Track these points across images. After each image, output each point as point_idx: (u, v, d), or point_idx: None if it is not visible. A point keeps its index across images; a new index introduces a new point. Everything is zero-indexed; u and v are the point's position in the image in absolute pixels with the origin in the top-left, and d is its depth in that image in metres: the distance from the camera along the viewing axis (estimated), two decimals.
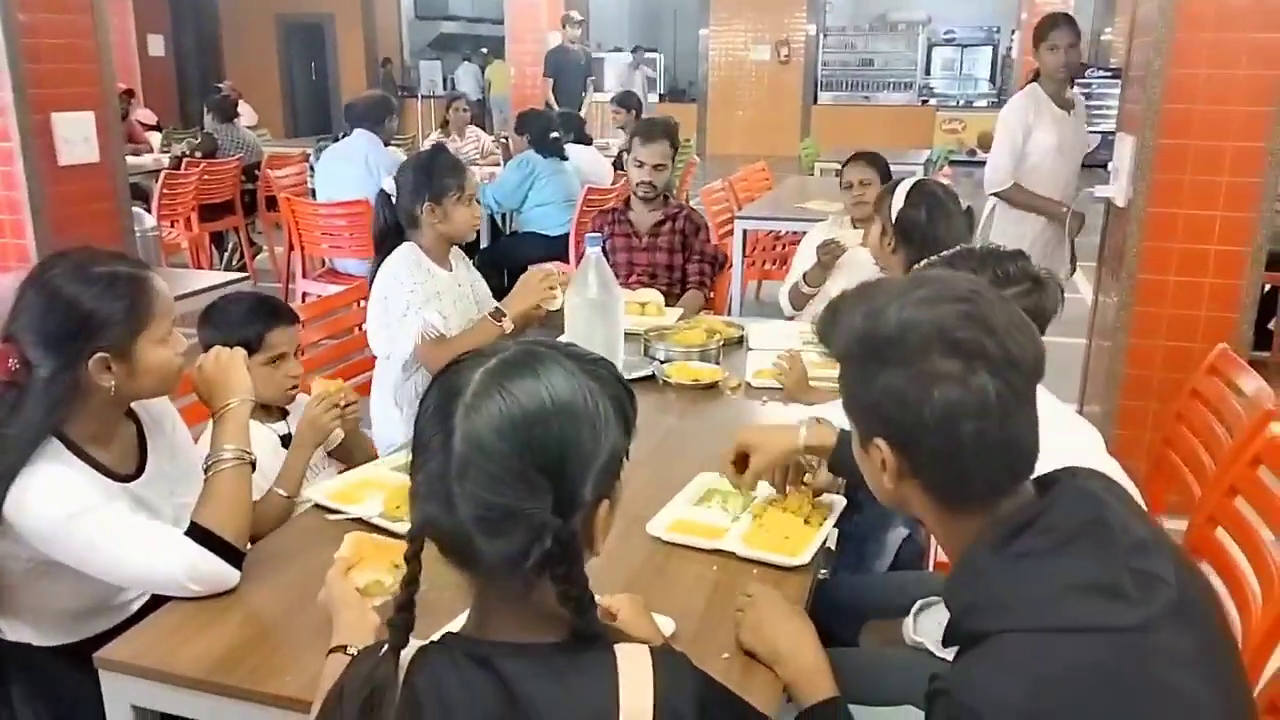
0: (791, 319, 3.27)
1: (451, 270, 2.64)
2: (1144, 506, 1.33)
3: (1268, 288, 4.38)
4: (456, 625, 1.06)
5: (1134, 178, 3.36)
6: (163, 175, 6.03)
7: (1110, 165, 3.74)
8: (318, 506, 1.76)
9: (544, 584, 0.91)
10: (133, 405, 1.63)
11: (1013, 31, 13.50)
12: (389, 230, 2.62)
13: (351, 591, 1.33)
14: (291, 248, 5.27)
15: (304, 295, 4.95)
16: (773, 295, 5.81)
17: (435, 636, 0.95)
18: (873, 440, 1.06)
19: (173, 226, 6.04)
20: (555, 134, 5.40)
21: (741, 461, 1.70)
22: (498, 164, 6.67)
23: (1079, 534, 0.99)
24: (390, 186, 2.58)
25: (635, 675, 0.89)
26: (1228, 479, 1.79)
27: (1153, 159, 3.28)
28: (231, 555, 1.49)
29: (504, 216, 5.81)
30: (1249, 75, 3.12)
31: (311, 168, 5.99)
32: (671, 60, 16.15)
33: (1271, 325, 4.76)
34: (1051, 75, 3.93)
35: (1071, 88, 4.03)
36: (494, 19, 15.03)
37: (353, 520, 1.68)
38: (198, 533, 1.49)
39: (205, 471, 1.60)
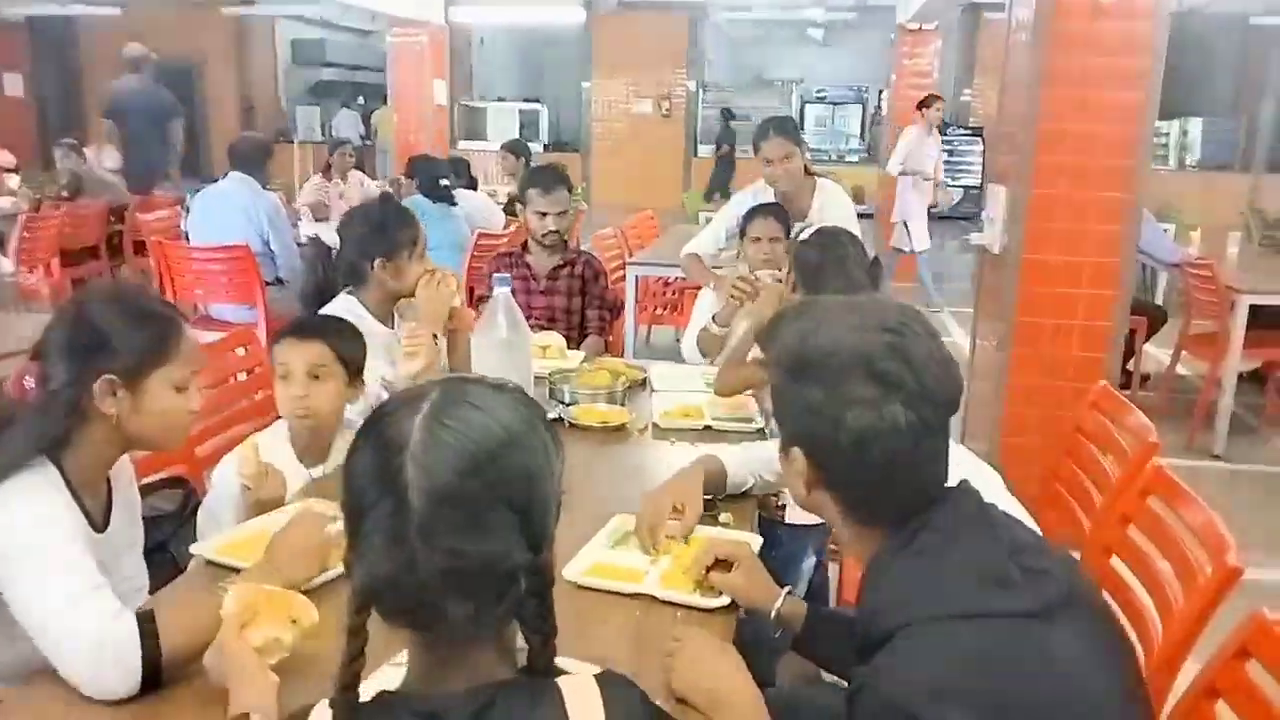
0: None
1: (394, 328, 2.53)
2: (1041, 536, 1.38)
3: (1126, 330, 4.67)
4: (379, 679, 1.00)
5: (1008, 226, 3.53)
6: (22, 218, 5.70)
7: (983, 215, 3.93)
8: (209, 563, 1.64)
9: (506, 627, 0.87)
10: None
11: (880, 91, 14.13)
12: (325, 287, 2.56)
13: (251, 654, 1.21)
14: (162, 293, 5.02)
15: None
16: (663, 340, 5.88)
17: (367, 696, 0.88)
18: (792, 448, 1.13)
19: (31, 272, 5.69)
20: (444, 180, 5.35)
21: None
22: None
23: (965, 527, 1.07)
24: (331, 239, 2.55)
25: (584, 708, 0.86)
26: (1119, 509, 1.87)
27: (1026, 208, 3.46)
28: (150, 674, 1.28)
29: None
30: (1110, 130, 3.33)
31: (187, 209, 5.75)
32: (555, 112, 16.28)
33: (1130, 365, 5.06)
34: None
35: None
36: (373, 66, 14.86)
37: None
38: (144, 625, 1.30)
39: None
